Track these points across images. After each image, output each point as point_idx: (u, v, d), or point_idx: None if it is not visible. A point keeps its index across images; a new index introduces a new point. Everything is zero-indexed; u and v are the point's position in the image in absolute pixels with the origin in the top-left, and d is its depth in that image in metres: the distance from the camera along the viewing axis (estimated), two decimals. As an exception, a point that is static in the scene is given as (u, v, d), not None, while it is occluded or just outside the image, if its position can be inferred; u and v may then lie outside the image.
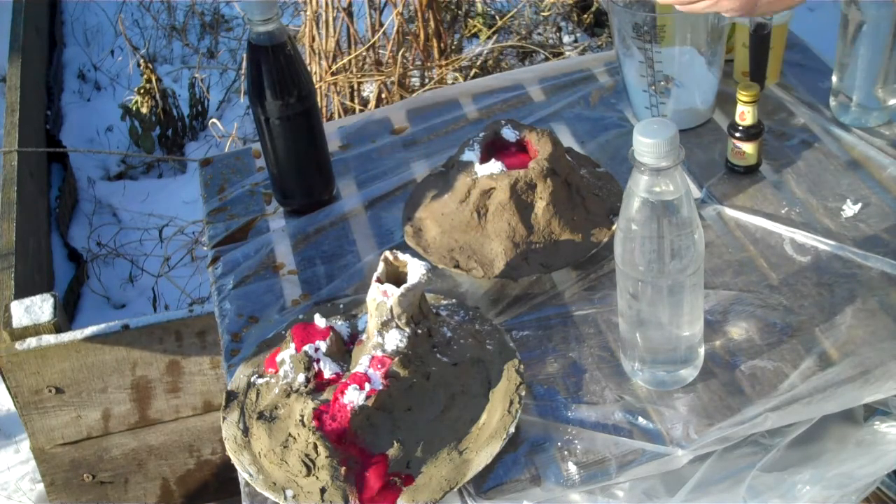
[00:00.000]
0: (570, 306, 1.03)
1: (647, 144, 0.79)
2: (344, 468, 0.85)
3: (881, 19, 1.12)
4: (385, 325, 0.90)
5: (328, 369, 0.93)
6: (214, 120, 2.50)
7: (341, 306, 1.05)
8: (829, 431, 1.00)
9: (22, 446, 1.81)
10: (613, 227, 1.07)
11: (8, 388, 1.46)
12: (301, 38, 2.13)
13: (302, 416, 0.88)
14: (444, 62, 2.18)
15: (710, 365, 0.95)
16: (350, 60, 2.10)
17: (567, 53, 2.53)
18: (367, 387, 0.88)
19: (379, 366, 0.89)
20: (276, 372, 0.95)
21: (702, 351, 0.94)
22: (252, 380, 0.97)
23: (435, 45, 2.16)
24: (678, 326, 0.89)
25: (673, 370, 0.92)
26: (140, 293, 2.17)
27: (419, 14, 2.11)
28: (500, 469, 0.88)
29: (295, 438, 0.88)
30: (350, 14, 2.07)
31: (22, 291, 1.63)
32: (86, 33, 3.08)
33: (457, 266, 1.05)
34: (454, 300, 1.03)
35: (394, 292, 0.89)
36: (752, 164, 1.16)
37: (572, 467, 0.88)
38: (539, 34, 2.62)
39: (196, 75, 2.67)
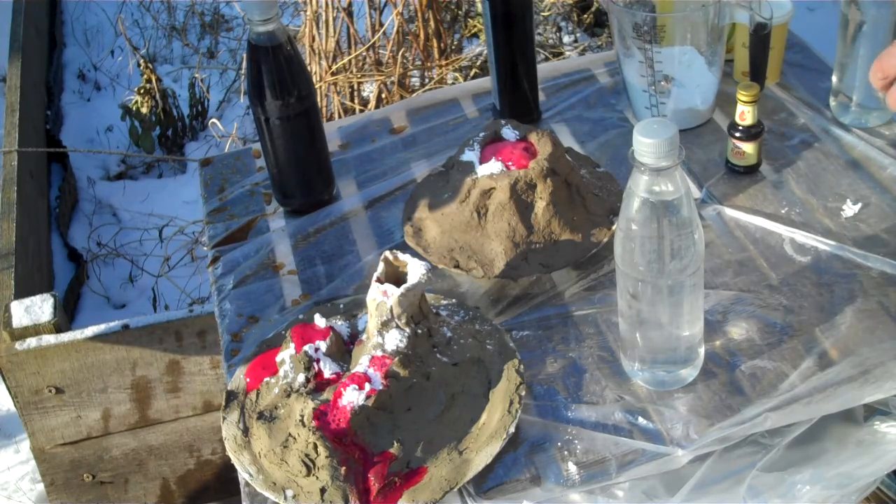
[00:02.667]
0: (570, 306, 1.03)
1: (647, 144, 0.79)
2: (344, 468, 0.85)
3: (881, 19, 1.12)
4: (385, 325, 0.90)
5: (328, 369, 0.93)
6: (214, 120, 2.50)
7: (341, 306, 1.05)
8: (829, 431, 1.00)
9: (22, 446, 1.81)
10: (613, 227, 1.07)
11: (8, 388, 1.46)
12: (301, 38, 2.13)
13: (302, 416, 0.88)
14: (444, 62, 2.18)
15: (710, 365, 0.95)
16: (350, 60, 2.11)
17: (567, 53, 2.53)
18: (367, 387, 0.88)
19: (379, 366, 0.89)
20: (257, 384, 0.95)
21: (702, 351, 0.94)
22: (252, 380, 0.97)
23: (435, 45, 2.16)
24: (678, 326, 0.89)
25: (673, 370, 0.92)
26: (140, 293, 2.17)
27: (419, 14, 2.11)
28: (500, 469, 0.88)
29: (295, 438, 0.88)
30: (350, 14, 2.07)
31: (22, 291, 1.63)
32: (86, 33, 3.08)
33: (457, 266, 1.05)
34: (454, 300, 1.03)
35: (394, 292, 0.89)
36: (752, 164, 1.16)
37: (572, 467, 0.88)
38: (539, 34, 2.62)
39: (196, 75, 2.67)
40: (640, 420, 0.91)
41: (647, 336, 0.90)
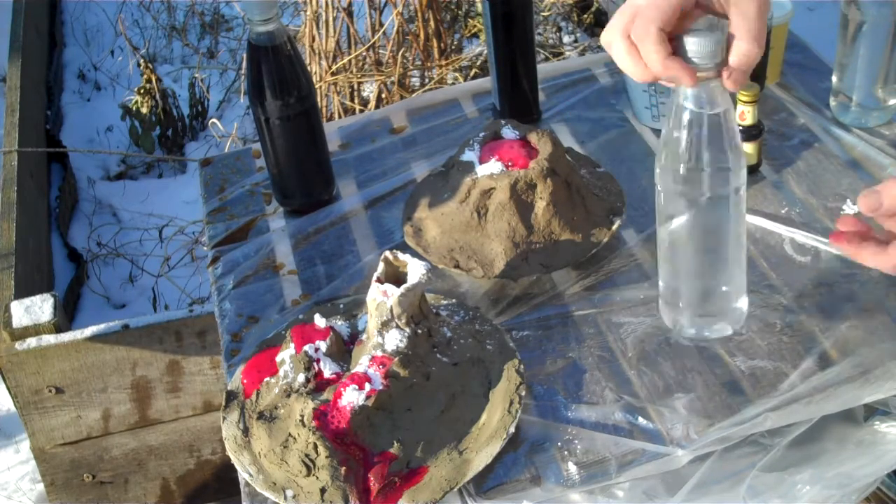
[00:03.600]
0: (570, 306, 1.03)
1: (692, 42, 0.78)
2: (344, 468, 0.85)
3: (881, 19, 1.12)
4: (385, 325, 0.90)
5: (328, 369, 0.93)
6: (214, 120, 2.50)
7: (341, 306, 1.05)
8: (829, 431, 1.00)
9: (22, 446, 1.81)
10: (614, 227, 1.07)
11: (8, 388, 1.46)
12: (301, 38, 2.13)
13: (302, 416, 0.88)
14: (444, 62, 2.18)
15: (710, 365, 0.95)
16: (350, 60, 2.11)
17: (567, 53, 2.53)
18: (367, 387, 0.88)
19: (379, 366, 0.89)
20: (254, 386, 0.95)
21: (744, 301, 0.91)
22: (252, 380, 0.97)
23: (435, 45, 2.16)
24: (721, 254, 0.87)
25: (715, 319, 0.90)
26: (140, 293, 2.17)
27: (419, 14, 2.11)
28: (500, 469, 0.88)
29: (295, 438, 0.88)
30: (350, 14, 2.07)
31: (22, 291, 1.63)
32: (86, 33, 3.08)
33: (457, 266, 1.05)
34: (454, 300, 1.03)
35: (394, 292, 0.89)
36: (752, 164, 1.16)
37: (572, 467, 0.88)
38: (539, 34, 2.62)
39: (196, 75, 2.67)
40: (640, 420, 0.91)
41: (690, 273, 0.88)
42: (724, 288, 0.90)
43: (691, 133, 0.82)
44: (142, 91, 2.49)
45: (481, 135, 1.11)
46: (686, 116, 0.82)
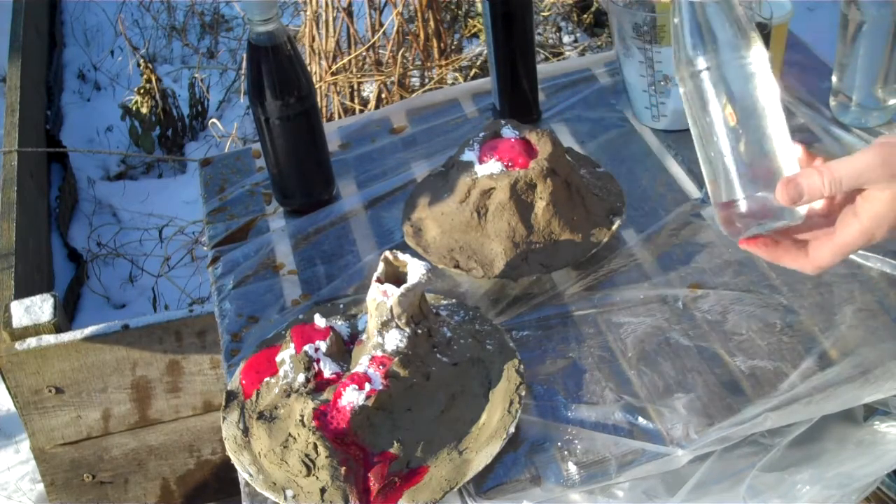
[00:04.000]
0: (570, 306, 1.03)
1: None
2: (344, 468, 0.85)
3: (881, 19, 1.12)
4: (385, 325, 0.90)
5: (328, 369, 0.93)
6: (214, 120, 2.50)
7: (341, 306, 1.05)
8: (829, 431, 1.00)
9: (22, 446, 1.81)
10: (613, 228, 1.07)
11: (8, 388, 1.46)
12: (301, 38, 2.14)
13: (302, 416, 0.88)
14: (444, 62, 2.18)
15: (709, 365, 0.95)
16: (350, 60, 2.11)
17: (567, 53, 2.53)
18: (367, 387, 0.88)
19: (379, 366, 0.89)
20: (253, 387, 0.95)
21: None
22: (252, 380, 0.97)
23: (435, 45, 2.16)
24: (758, 136, 0.83)
25: (771, 211, 0.81)
26: (140, 293, 2.17)
27: (419, 14, 2.11)
28: (500, 469, 0.88)
29: (295, 438, 0.88)
30: (350, 14, 2.07)
31: (22, 291, 1.63)
32: (86, 33, 3.08)
33: (457, 266, 1.05)
34: (454, 300, 1.03)
35: (394, 292, 0.89)
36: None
37: (572, 467, 0.88)
38: (539, 34, 2.62)
39: (196, 75, 2.67)
40: (640, 420, 0.91)
41: (730, 161, 0.84)
42: (772, 169, 0.83)
43: (689, 16, 0.80)
44: (142, 91, 2.49)
45: (481, 135, 1.11)
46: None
